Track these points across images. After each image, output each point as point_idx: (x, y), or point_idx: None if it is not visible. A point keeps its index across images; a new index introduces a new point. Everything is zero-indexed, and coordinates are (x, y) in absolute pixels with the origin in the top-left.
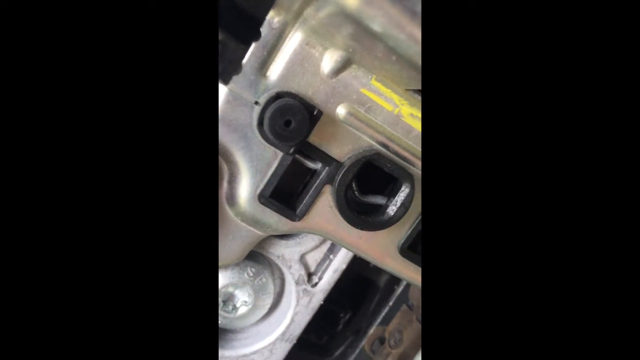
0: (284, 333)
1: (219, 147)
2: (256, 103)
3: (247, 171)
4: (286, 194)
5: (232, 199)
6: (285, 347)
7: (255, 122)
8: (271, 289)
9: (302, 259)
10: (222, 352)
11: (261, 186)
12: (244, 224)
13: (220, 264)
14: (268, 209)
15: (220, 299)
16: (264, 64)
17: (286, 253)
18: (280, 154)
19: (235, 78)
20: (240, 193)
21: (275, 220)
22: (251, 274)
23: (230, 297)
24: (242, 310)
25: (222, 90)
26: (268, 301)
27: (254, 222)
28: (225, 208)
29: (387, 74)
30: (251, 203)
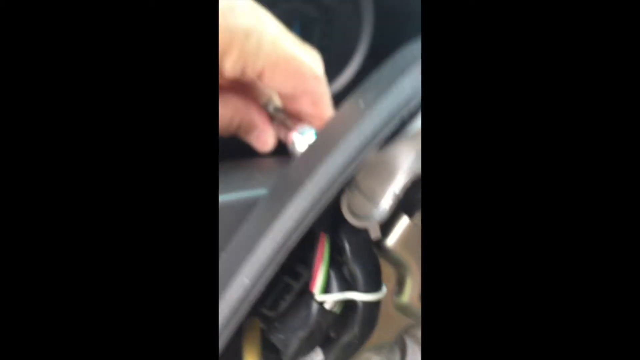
0: None
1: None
2: None
3: (416, 276)
4: None
5: (398, 294)
6: None
7: None
8: (397, 356)
9: None
10: None
11: None
12: (403, 317)
13: (379, 343)
14: None
15: None
16: None
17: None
18: None
19: None
20: (406, 292)
21: None
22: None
23: None
24: None
25: None
26: None
27: (412, 315)
28: (389, 303)
29: None
30: (415, 302)
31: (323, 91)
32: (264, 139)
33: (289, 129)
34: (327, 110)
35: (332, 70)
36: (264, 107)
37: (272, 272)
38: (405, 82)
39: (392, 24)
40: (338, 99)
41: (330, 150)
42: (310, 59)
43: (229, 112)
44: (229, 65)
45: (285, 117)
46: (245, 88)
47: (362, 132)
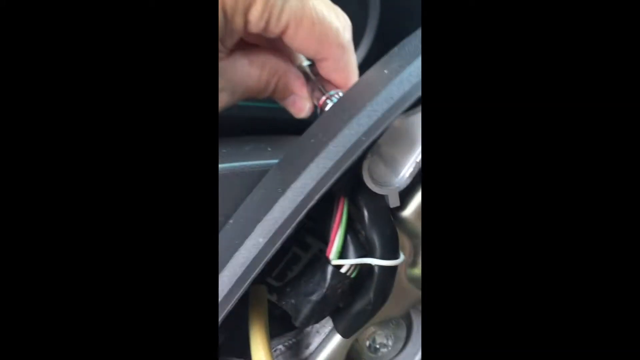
0: None
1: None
2: None
3: None
4: None
5: (411, 266)
6: None
7: None
8: (404, 331)
9: None
10: None
11: None
12: (415, 289)
13: (388, 316)
14: None
15: (367, 343)
16: None
17: None
18: None
19: None
20: (420, 264)
21: None
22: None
23: (373, 341)
24: (382, 351)
25: None
26: (400, 343)
27: None
28: (402, 274)
29: None
30: None
31: (347, 59)
32: (300, 105)
33: (322, 93)
34: (351, 78)
35: None
36: (299, 68)
37: (289, 230)
38: None
39: (396, 15)
40: None
41: (356, 112)
42: (338, 24)
43: (266, 73)
44: (253, 17)
45: (319, 79)
46: (282, 49)
47: (389, 95)
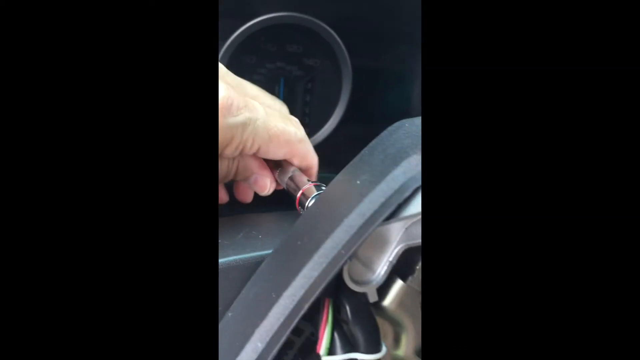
0: None
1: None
2: None
3: (411, 332)
4: None
5: (394, 349)
6: None
7: None
8: None
9: None
10: None
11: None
12: None
13: None
14: None
15: None
16: None
17: None
18: None
19: None
20: (402, 346)
21: None
22: None
23: None
24: None
25: None
26: None
27: None
28: (387, 356)
29: None
30: (410, 356)
31: (307, 148)
32: (262, 183)
33: (293, 183)
34: (313, 160)
35: (315, 122)
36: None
37: (284, 337)
38: (401, 170)
39: (368, 81)
40: (322, 146)
41: (335, 226)
42: (293, 128)
43: (226, 161)
44: (229, 152)
45: (283, 167)
46: None
47: (364, 213)
